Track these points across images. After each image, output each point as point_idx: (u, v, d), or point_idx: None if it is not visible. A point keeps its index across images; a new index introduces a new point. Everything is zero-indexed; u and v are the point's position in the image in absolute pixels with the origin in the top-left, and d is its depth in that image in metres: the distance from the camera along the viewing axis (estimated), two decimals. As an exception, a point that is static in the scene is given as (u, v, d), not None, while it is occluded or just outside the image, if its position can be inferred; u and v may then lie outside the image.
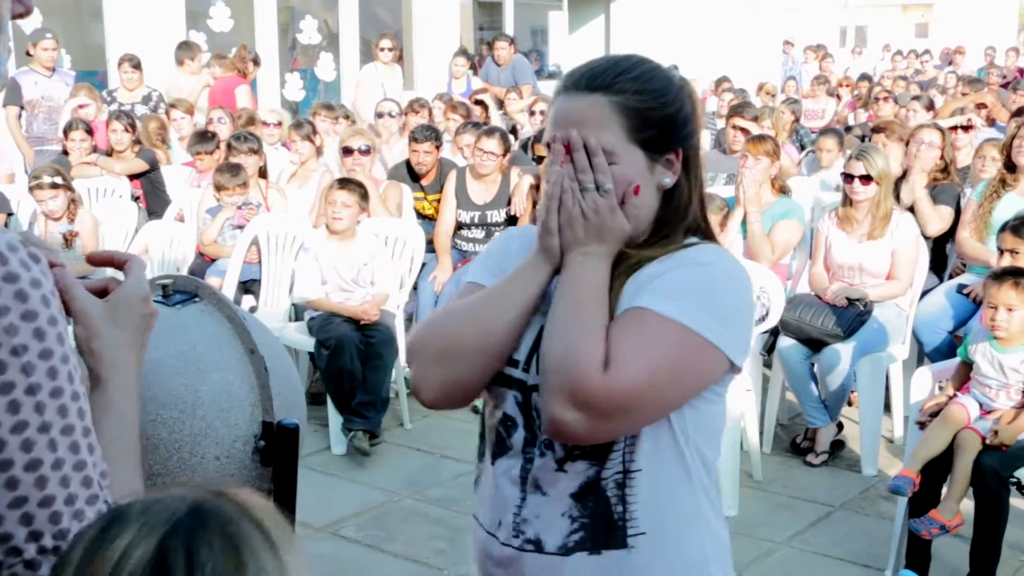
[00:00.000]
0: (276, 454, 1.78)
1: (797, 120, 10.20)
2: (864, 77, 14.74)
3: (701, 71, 13.29)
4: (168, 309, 1.78)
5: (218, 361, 1.77)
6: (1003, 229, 4.38)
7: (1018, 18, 30.82)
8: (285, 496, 1.76)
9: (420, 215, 6.89)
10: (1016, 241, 4.17)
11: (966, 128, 6.85)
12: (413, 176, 6.89)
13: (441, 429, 5.59)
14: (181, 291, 1.85)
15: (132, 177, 7.44)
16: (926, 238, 5.73)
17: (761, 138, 6.01)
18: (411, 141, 6.90)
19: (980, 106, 8.72)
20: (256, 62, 9.97)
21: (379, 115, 8.49)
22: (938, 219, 5.95)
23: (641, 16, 17.34)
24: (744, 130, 7.21)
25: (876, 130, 7.36)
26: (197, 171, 7.30)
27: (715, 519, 1.77)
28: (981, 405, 3.87)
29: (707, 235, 1.80)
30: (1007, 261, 4.14)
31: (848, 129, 9.67)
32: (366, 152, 6.54)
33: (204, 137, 7.35)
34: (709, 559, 1.75)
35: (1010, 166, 5.63)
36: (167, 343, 1.73)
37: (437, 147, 6.87)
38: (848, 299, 5.12)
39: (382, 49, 10.66)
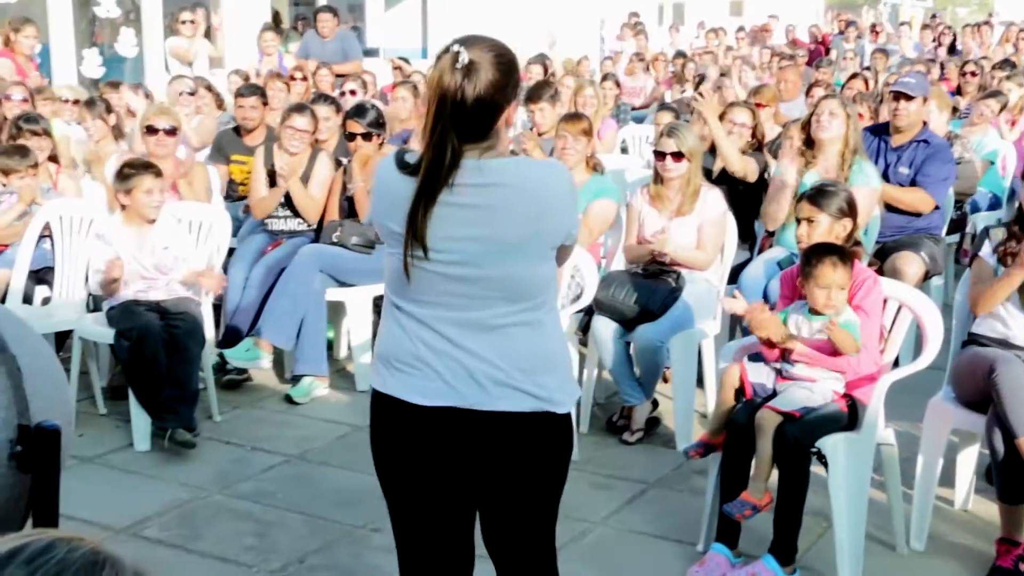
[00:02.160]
0: (35, 459, 1.67)
1: (619, 95, 10.50)
2: (680, 54, 15.08)
3: (518, 49, 13.36)
4: (-93, 306, 1.65)
5: (-36, 362, 1.65)
6: (800, 199, 4.49)
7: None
8: (46, 504, 1.66)
9: (235, 188, 6.87)
10: (812, 210, 4.27)
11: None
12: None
13: (252, 421, 5.47)
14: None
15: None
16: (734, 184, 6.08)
17: (577, 116, 6.00)
18: (237, 97, 7.11)
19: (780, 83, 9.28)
20: (17, 30, 9.34)
21: (179, 94, 8.21)
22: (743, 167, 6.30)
23: (457, -7, 17.31)
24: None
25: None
26: None
27: (386, 328, 2.61)
28: (781, 372, 3.99)
29: None
30: (804, 230, 4.25)
31: (664, 106, 9.85)
32: (171, 132, 6.26)
33: None
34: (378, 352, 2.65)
35: (809, 142, 5.81)
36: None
37: (264, 103, 7.07)
38: (661, 269, 5.21)
39: (183, 23, 10.29)
